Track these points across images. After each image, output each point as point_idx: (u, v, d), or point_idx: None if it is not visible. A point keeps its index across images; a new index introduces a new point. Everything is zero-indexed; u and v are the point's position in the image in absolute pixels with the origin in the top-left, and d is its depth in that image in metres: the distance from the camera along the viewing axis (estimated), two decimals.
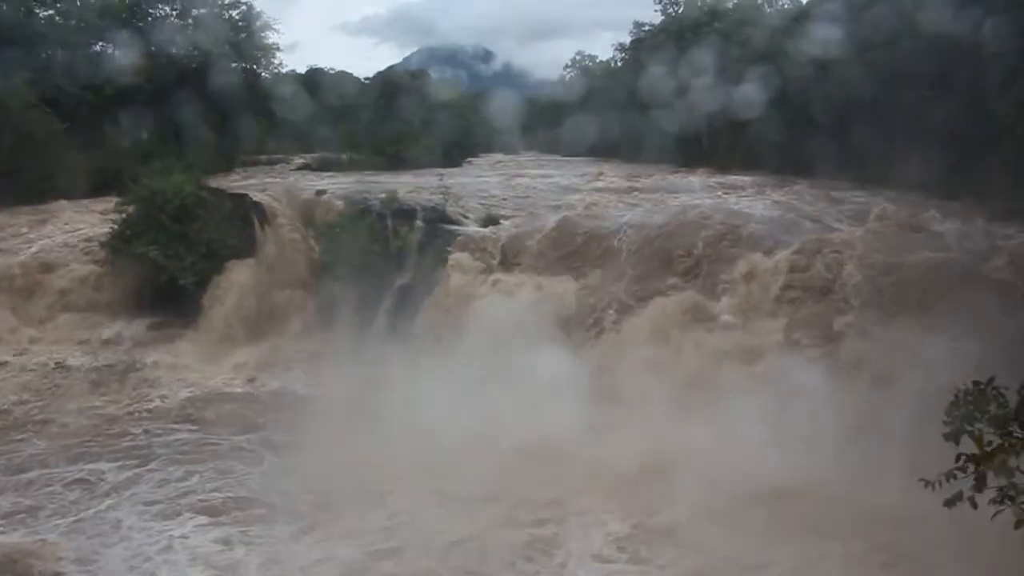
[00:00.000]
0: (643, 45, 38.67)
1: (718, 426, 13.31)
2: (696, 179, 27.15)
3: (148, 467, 15.37)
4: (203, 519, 13.33)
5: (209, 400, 18.86)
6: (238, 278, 21.85)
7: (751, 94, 26.93)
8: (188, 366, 20.51)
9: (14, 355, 20.27)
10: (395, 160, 31.66)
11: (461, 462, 13.67)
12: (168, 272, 21.55)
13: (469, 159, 37.45)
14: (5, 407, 18.25)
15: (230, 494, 14.16)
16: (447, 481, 13.55)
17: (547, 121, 43.31)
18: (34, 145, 25.17)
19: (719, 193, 23.83)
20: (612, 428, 14.53)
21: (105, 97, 27.38)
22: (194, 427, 17.41)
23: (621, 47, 42.20)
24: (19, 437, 16.82)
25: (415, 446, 14.11)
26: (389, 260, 20.82)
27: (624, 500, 12.87)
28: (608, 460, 13.70)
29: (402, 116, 34.45)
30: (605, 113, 36.50)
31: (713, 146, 32.19)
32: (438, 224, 21.49)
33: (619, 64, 42.42)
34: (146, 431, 17.16)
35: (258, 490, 14.32)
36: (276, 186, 25.50)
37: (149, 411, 18.28)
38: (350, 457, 14.20)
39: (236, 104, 30.52)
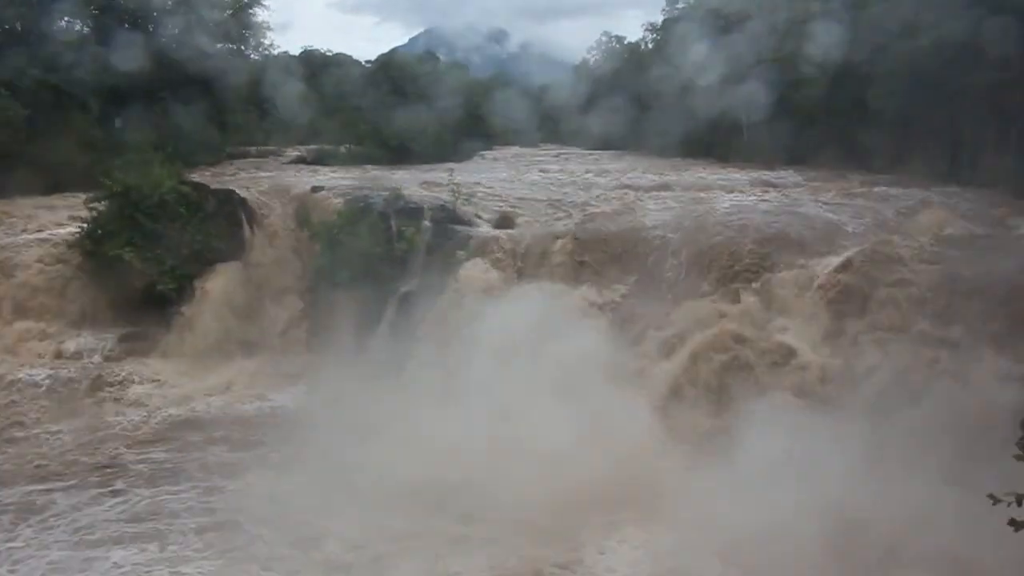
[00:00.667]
0: (676, 25, 38.39)
1: None
2: (740, 175, 26.76)
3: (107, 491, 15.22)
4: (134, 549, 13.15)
5: (190, 422, 18.63)
6: (224, 284, 21.84)
7: (796, 80, 26.71)
8: (167, 383, 20.40)
9: None
10: (399, 153, 31.59)
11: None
12: (145, 277, 21.55)
13: (481, 152, 37.30)
14: None
15: (194, 523, 13.96)
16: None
17: (569, 110, 43.04)
18: None
19: (766, 193, 23.41)
20: None
21: (73, 82, 27.13)
22: (170, 451, 17.11)
23: (652, 27, 41.93)
24: None
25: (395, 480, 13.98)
26: (393, 264, 20.66)
27: None
28: None
29: (407, 104, 34.31)
30: (633, 101, 36.30)
31: (755, 139, 31.92)
32: (447, 225, 21.32)
33: (649, 46, 42.11)
34: (112, 457, 16.88)
35: (224, 520, 14.09)
36: (267, 182, 25.30)
37: (118, 434, 18.01)
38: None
39: (222, 90, 30.48)
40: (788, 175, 26.28)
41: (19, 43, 27.57)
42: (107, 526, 13.97)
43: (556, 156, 37.56)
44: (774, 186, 24.49)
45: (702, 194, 23.36)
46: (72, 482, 15.62)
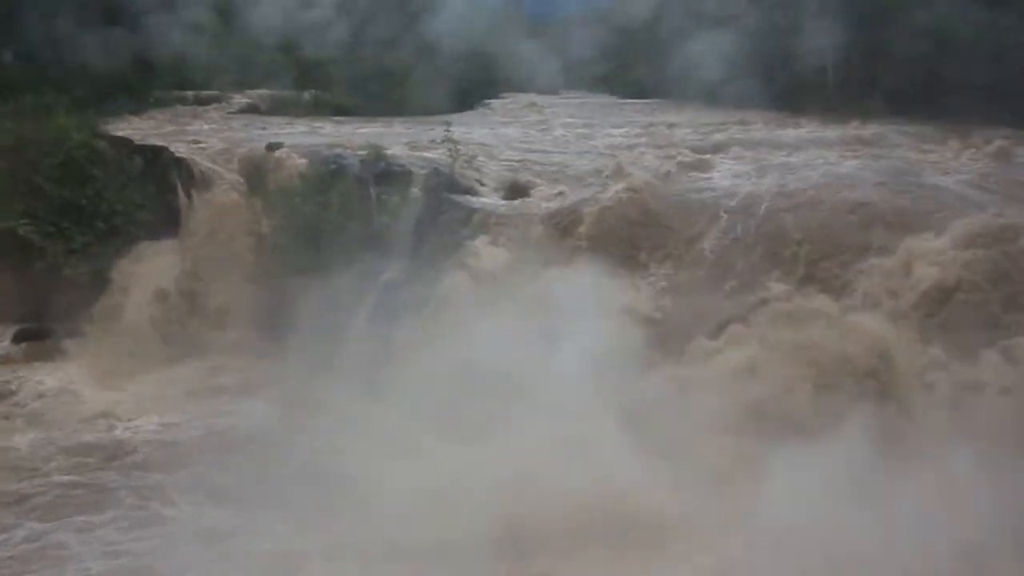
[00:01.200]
0: None
1: None
2: (830, 132, 26.38)
3: None
4: None
5: (105, 448, 18.33)
6: (153, 267, 21.91)
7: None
8: (76, 394, 20.32)
9: None
10: (381, 102, 31.43)
11: None
12: (48, 257, 21.49)
13: (487, 101, 37.20)
14: None
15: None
16: None
17: (598, 51, 42.97)
18: None
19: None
20: None
21: None
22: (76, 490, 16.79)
23: None
24: None
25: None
26: (372, 244, 20.31)
27: None
28: None
29: (391, 39, 34.17)
30: (678, 41, 36.11)
31: (843, 85, 31.60)
32: (442, 194, 20.98)
33: None
34: None
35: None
36: (209, 136, 25.20)
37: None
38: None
39: (145, 15, 30.28)
40: (887, 130, 25.83)
41: None
42: None
43: (581, 106, 37.38)
44: (868, 144, 24.09)
45: (772, 156, 22.92)
46: None
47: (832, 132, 26.43)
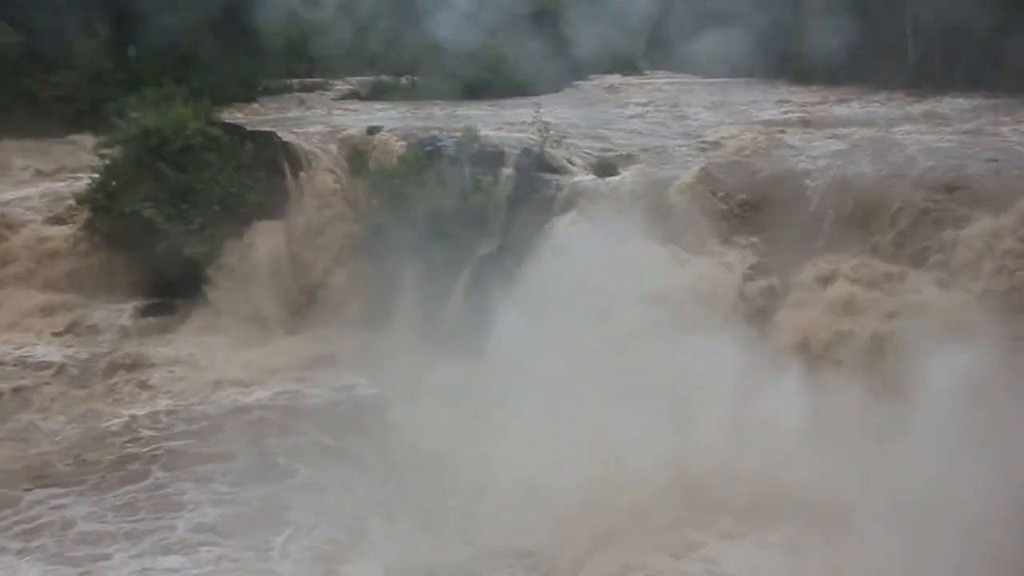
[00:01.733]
0: None
1: None
2: (900, 107, 26.25)
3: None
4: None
5: (223, 410, 19.18)
6: (264, 245, 22.31)
7: None
8: (196, 364, 20.98)
9: None
10: (473, 86, 31.62)
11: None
12: (169, 237, 22.03)
13: (575, 83, 37.20)
14: None
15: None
16: None
17: (683, 31, 42.58)
18: None
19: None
20: None
21: (79, 4, 27.65)
22: (199, 454, 17.58)
23: None
24: None
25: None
26: (467, 221, 20.71)
27: None
28: None
29: (483, 26, 34.25)
30: (765, 20, 35.76)
31: (927, 60, 31.20)
32: (534, 173, 21.33)
33: None
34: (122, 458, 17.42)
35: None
36: (314, 122, 25.64)
37: (131, 425, 18.61)
38: None
39: (256, 11, 30.81)
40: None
41: None
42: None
43: (667, 85, 37.19)
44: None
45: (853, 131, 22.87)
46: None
47: (911, 107, 26.11)
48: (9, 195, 23.21)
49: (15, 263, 22.46)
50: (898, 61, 31.85)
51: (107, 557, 14.09)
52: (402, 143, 22.73)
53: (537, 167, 21.58)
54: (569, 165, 21.90)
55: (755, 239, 18.67)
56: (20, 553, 14.19)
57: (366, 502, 15.23)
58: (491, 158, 21.77)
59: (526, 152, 21.84)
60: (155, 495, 15.90)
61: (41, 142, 25.68)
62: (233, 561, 13.91)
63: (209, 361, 20.90)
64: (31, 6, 26.93)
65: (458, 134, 22.47)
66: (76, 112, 25.66)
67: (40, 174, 24.30)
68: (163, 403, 19.53)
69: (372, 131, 23.59)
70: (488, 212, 21.03)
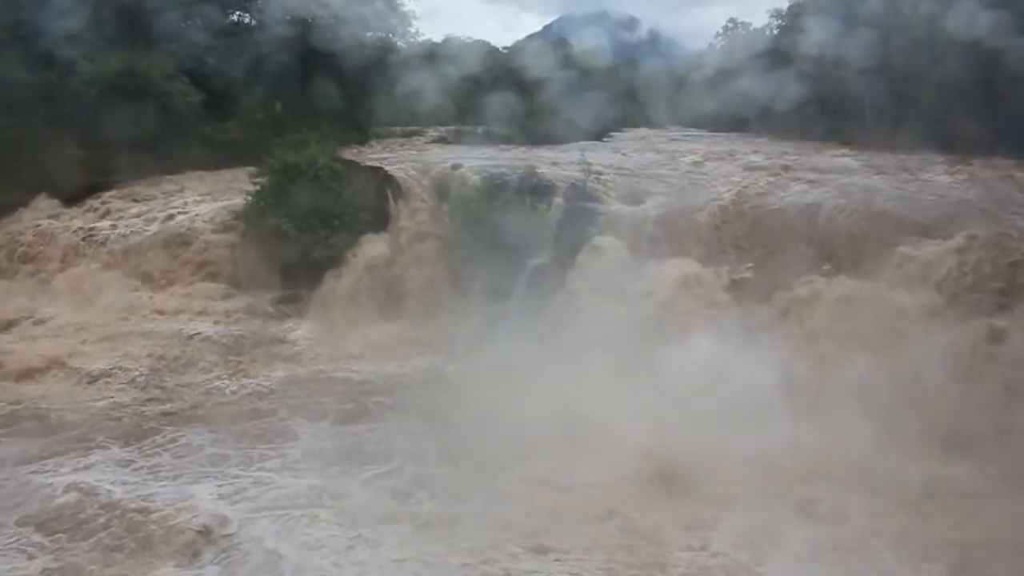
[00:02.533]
0: (803, 9, 36.79)
1: None
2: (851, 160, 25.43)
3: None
4: None
5: (335, 376, 19.20)
6: (371, 253, 22.13)
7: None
8: (317, 341, 20.90)
9: (149, 323, 21.02)
10: (533, 134, 31.30)
11: None
12: (301, 245, 21.95)
13: (611, 133, 36.72)
14: (139, 376, 18.96)
15: None
16: None
17: (694, 93, 41.95)
18: (173, 116, 25.93)
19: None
20: None
21: (241, 69, 27.93)
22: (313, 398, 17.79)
23: (777, 13, 40.30)
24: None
25: None
26: (525, 238, 20.31)
27: None
28: None
29: (541, 88, 33.95)
30: (758, 85, 35.04)
31: (878, 120, 30.33)
32: (578, 202, 21.00)
33: (775, 31, 40.51)
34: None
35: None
36: (410, 159, 25.47)
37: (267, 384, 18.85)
38: None
39: (371, 75, 30.79)
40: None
41: (182, 37, 28.30)
42: None
43: (681, 137, 36.65)
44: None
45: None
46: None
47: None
48: (191, 211, 23.42)
49: (192, 261, 22.50)
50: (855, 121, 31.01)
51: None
52: (477, 177, 22.44)
53: (581, 197, 21.20)
54: (606, 195, 21.46)
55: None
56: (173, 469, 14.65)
57: (432, 448, 15.09)
58: (545, 189, 21.55)
59: (572, 186, 21.50)
60: (275, 430, 16.31)
61: (211, 173, 25.73)
62: (328, 479, 14.21)
63: (326, 340, 20.87)
64: (211, 74, 27.48)
65: (520, 170, 22.09)
66: (238, 151, 25.64)
67: (210, 196, 24.15)
68: (292, 370, 19.65)
69: (455, 167, 23.34)
70: (542, 231, 20.65)
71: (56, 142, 24.43)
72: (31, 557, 12.16)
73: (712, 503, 12.92)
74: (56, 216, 24.15)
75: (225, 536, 12.55)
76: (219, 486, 14.14)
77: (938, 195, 18.90)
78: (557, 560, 11.97)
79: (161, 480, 14.40)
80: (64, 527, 12.85)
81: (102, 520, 12.93)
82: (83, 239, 23.24)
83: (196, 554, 12.13)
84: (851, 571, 11.27)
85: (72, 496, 13.59)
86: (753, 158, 26.48)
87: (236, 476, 14.52)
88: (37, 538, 12.60)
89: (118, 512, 13.08)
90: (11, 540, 12.51)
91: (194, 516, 12.89)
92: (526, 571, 11.72)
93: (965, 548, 11.47)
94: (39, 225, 23.80)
